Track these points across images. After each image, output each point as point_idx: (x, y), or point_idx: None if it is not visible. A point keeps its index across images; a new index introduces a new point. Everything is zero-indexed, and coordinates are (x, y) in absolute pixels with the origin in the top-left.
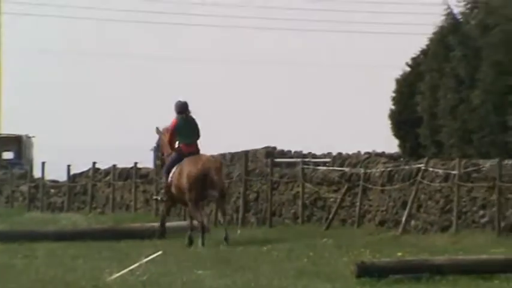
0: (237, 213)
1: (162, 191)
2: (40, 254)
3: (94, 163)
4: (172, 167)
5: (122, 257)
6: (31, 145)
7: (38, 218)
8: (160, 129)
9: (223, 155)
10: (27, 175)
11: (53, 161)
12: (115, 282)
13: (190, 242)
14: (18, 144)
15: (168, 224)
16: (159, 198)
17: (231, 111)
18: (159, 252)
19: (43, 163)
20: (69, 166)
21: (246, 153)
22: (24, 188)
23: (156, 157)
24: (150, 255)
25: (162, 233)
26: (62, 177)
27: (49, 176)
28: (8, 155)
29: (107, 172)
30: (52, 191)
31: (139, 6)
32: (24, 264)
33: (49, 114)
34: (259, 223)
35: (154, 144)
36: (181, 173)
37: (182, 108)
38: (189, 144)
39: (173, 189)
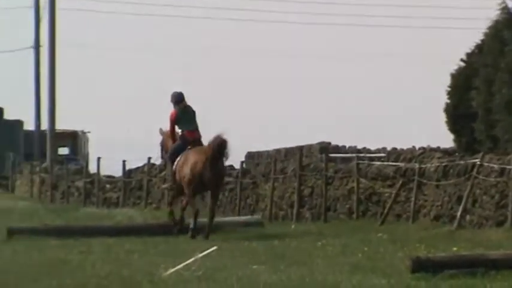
0: (292, 209)
1: (169, 178)
2: (96, 250)
3: (149, 158)
4: (177, 154)
5: (177, 252)
6: (87, 140)
7: (93, 213)
8: (164, 130)
9: (277, 150)
10: (82, 170)
11: (108, 157)
12: (170, 278)
13: (193, 236)
14: (74, 139)
15: (225, 219)
16: (168, 187)
17: (285, 106)
18: (215, 248)
19: (98, 158)
20: (124, 161)
21: (300, 148)
22: (79, 183)
23: (161, 157)
24: (205, 250)
25: (181, 229)
26: (118, 172)
27: (104, 171)
28: (64, 151)
29: (162, 167)
30: (107, 186)
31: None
32: (80, 260)
33: (105, 109)
34: (313, 218)
35: (159, 145)
36: (186, 163)
37: (179, 98)
38: (192, 131)
39: (177, 176)
